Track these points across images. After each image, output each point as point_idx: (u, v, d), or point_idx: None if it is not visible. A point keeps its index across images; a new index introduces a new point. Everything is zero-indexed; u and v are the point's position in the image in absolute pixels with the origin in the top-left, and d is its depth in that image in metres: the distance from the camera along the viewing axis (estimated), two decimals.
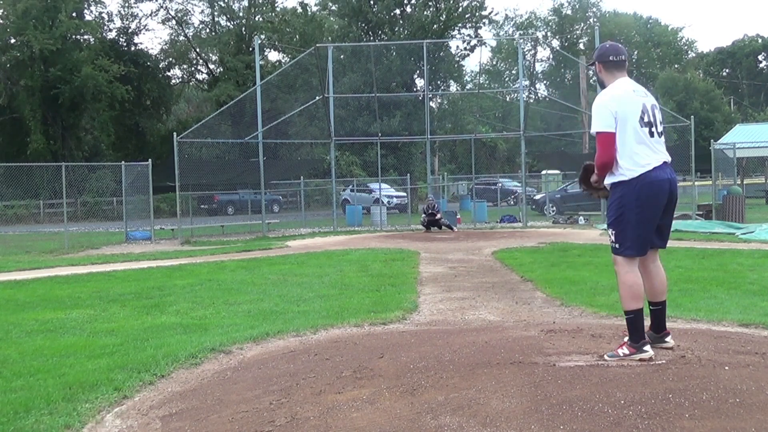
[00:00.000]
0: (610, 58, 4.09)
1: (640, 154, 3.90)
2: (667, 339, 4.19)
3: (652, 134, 3.96)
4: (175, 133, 19.69)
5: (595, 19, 60.70)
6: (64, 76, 33.00)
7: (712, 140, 21.84)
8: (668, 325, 4.28)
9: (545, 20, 65.66)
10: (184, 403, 3.94)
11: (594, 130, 3.97)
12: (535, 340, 4.56)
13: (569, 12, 65.28)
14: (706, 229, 15.47)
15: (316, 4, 41.84)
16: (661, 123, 4.07)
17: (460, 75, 42.08)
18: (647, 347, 3.91)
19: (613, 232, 3.99)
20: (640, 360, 3.84)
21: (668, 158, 4.02)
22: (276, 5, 43.50)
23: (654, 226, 4.00)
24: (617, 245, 3.98)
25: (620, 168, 3.93)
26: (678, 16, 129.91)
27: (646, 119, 3.95)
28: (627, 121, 3.91)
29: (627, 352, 3.90)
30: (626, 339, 4.01)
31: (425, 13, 34.74)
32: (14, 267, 12.21)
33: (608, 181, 4.03)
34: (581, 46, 61.35)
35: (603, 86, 4.17)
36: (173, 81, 44.64)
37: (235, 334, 5.73)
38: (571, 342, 4.47)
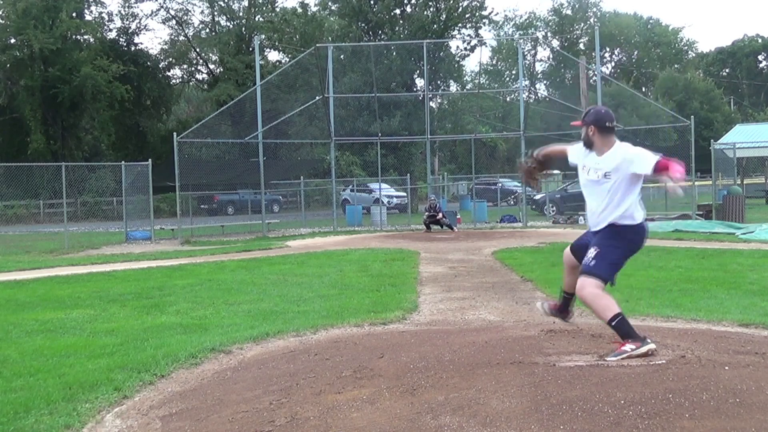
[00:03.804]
0: (606, 124, 4.27)
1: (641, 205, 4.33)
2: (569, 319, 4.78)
3: None
4: (175, 133, 19.69)
5: (595, 20, 60.69)
6: (64, 75, 32.98)
7: (712, 140, 21.83)
8: (668, 325, 4.32)
9: (545, 20, 65.65)
10: (184, 403, 3.94)
11: (654, 160, 4.05)
12: (535, 340, 4.56)
13: (569, 12, 65.23)
14: (706, 229, 15.48)
15: (316, 4, 41.84)
16: None
17: (460, 75, 42.07)
18: (649, 339, 3.98)
19: (611, 264, 4.19)
20: (648, 351, 3.90)
21: None
22: (276, 5, 43.48)
23: None
24: (604, 274, 4.16)
25: (634, 213, 4.22)
26: (678, 16, 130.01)
27: None
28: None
29: (634, 346, 3.93)
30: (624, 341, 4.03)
31: (425, 13, 34.74)
32: (14, 267, 12.21)
33: (623, 222, 4.21)
34: (581, 46, 61.31)
35: (590, 147, 4.36)
36: (173, 81, 44.62)
37: (235, 334, 5.73)
38: (571, 342, 4.47)
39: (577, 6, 64.97)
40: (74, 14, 35.31)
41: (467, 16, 36.27)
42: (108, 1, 64.87)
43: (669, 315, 6.03)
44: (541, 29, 64.81)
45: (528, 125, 25.81)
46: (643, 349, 3.90)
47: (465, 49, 36.85)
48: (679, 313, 6.10)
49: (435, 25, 34.14)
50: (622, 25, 65.84)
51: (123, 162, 19.81)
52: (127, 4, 40.10)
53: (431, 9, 35.03)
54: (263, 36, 34.74)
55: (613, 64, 68.48)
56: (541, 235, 16.39)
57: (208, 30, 43.65)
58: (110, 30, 40.13)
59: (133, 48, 40.20)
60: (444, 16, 34.69)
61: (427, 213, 19.30)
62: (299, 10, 41.19)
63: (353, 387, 3.75)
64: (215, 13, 42.76)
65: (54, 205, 29.43)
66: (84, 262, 12.76)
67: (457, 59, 37.61)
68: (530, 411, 3.12)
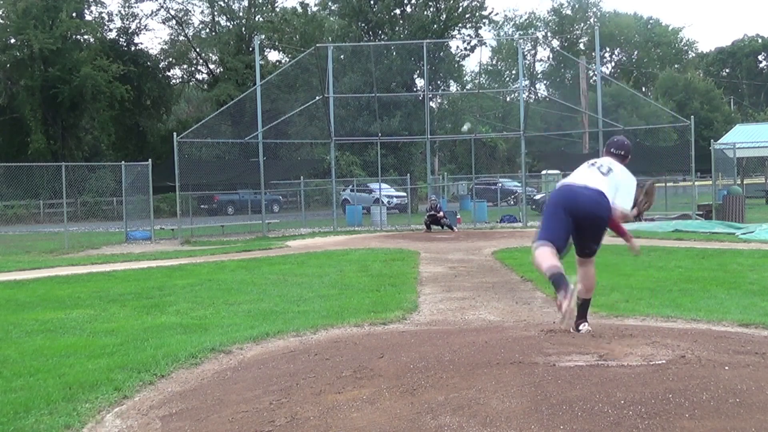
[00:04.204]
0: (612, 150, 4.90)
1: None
2: (581, 327, 4.81)
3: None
4: (175, 133, 19.69)
5: (595, 20, 60.69)
6: (64, 75, 32.97)
7: (712, 140, 21.81)
8: (668, 325, 4.33)
9: (545, 20, 65.66)
10: (184, 403, 3.95)
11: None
12: (535, 340, 4.56)
13: (569, 12, 65.24)
14: (706, 229, 15.47)
15: (316, 4, 41.81)
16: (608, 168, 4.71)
17: (460, 75, 42.07)
18: (569, 284, 4.21)
19: (540, 227, 4.65)
20: (569, 289, 4.17)
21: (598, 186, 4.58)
22: (276, 5, 43.48)
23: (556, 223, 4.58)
24: (537, 236, 4.53)
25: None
26: (678, 16, 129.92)
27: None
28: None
29: (560, 295, 4.20)
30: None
31: (425, 13, 34.73)
32: (14, 267, 12.20)
33: None
34: (581, 46, 61.31)
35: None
36: (173, 81, 44.60)
37: (235, 334, 5.73)
38: (571, 342, 4.47)
39: (577, 6, 64.99)
40: (74, 14, 35.29)
41: (467, 16, 36.26)
42: (108, 1, 64.90)
43: (669, 315, 6.03)
44: (541, 29, 64.82)
45: (528, 125, 25.82)
46: (565, 296, 4.14)
47: (465, 49, 36.89)
48: (679, 313, 6.10)
49: (435, 25, 34.12)
50: (622, 25, 65.83)
51: (123, 162, 19.80)
52: (127, 4, 40.12)
53: (431, 9, 35.02)
54: (263, 36, 34.71)
55: (613, 64, 68.53)
56: None
57: (208, 30, 43.65)
58: (110, 30, 40.16)
59: (133, 48, 40.18)
60: (444, 16, 34.68)
61: (428, 213, 19.33)
62: (299, 10, 41.18)
63: (353, 387, 3.75)
64: (215, 13, 42.75)
65: (54, 205, 29.42)
66: (84, 262, 12.76)
67: (457, 59, 37.63)
68: (530, 411, 3.12)
